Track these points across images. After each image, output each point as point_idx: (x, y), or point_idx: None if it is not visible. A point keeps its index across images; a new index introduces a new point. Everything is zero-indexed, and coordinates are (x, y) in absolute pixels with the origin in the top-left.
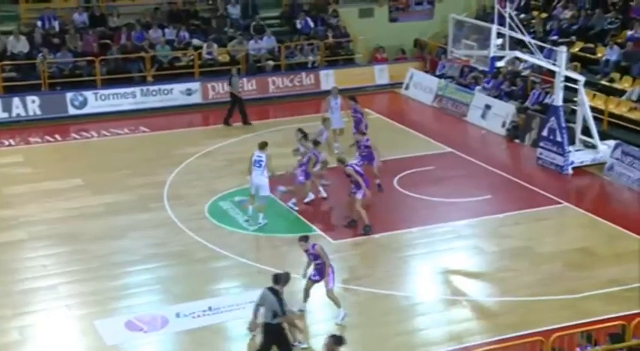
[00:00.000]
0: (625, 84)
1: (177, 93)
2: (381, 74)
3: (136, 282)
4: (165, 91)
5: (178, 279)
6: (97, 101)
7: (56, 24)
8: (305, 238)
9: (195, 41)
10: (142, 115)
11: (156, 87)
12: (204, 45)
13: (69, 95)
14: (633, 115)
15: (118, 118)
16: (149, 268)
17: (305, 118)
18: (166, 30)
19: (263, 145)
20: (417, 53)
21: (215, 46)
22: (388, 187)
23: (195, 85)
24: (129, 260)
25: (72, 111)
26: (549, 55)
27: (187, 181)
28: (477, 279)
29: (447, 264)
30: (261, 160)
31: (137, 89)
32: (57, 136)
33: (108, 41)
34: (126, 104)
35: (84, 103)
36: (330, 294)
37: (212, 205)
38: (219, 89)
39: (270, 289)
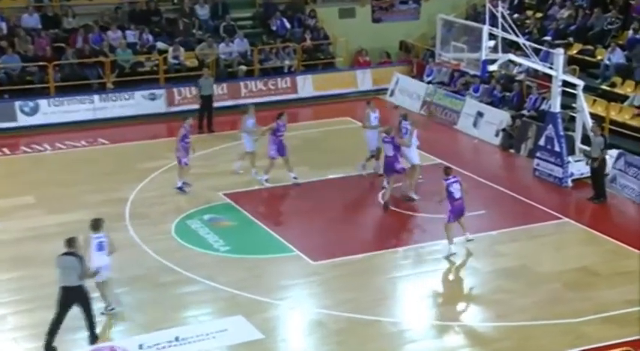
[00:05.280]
0: (627, 89)
1: (140, 101)
2: (363, 79)
3: (95, 310)
4: (127, 99)
5: (142, 306)
6: (50, 110)
7: (3, 25)
8: None
9: (160, 44)
10: (101, 126)
11: (116, 94)
12: (170, 49)
13: (18, 104)
14: (636, 123)
15: (74, 129)
16: None
17: None
18: (128, 32)
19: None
20: (403, 56)
21: (182, 49)
22: (372, 203)
23: (160, 93)
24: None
25: (22, 120)
26: (545, 58)
27: (152, 197)
28: (470, 302)
29: (437, 286)
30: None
31: (95, 97)
32: (5, 150)
33: (62, 44)
34: (83, 114)
35: (35, 111)
36: None
37: (179, 224)
38: (187, 96)
39: (67, 253)
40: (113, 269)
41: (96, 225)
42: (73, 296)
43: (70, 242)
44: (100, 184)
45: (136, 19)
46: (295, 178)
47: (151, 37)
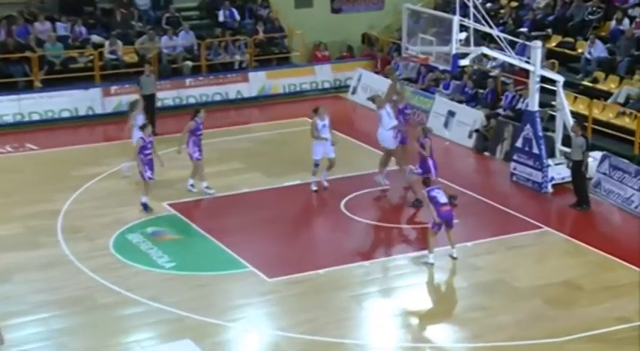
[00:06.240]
0: (611, 85)
1: (72, 101)
2: (322, 76)
3: (23, 337)
4: (58, 100)
5: (77, 331)
6: None
7: None
8: None
9: (95, 38)
10: (29, 129)
11: (45, 94)
12: (106, 43)
13: None
14: (621, 122)
15: None
16: (39, 318)
17: (229, 130)
18: (58, 24)
19: None
20: (366, 50)
21: (119, 43)
22: (334, 212)
23: (95, 92)
24: (13, 310)
25: None
26: (522, 52)
27: (87, 209)
28: (443, 321)
29: (406, 304)
30: None
31: (22, 97)
32: None
33: None
34: (7, 116)
35: None
36: None
37: (118, 239)
38: (125, 86)
39: None
40: (44, 290)
41: None
42: None
43: None
44: (28, 195)
45: (66, 10)
46: (208, 187)
47: (84, 30)
